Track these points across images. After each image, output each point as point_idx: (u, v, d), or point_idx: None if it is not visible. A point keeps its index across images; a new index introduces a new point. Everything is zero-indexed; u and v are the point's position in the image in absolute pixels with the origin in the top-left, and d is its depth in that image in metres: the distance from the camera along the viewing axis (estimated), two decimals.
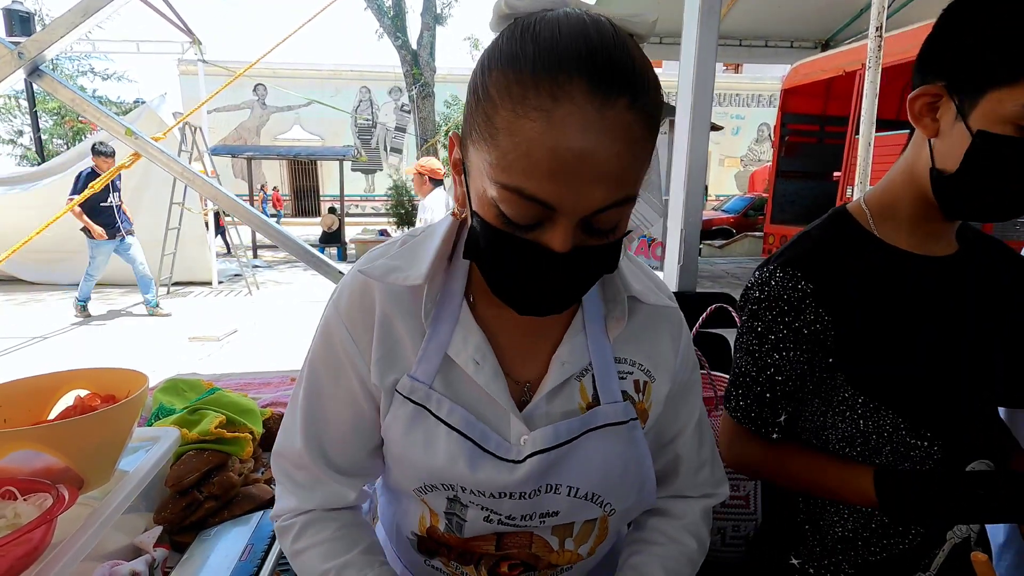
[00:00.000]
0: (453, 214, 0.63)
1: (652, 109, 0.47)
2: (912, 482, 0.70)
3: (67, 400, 0.95)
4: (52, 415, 0.94)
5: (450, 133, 0.57)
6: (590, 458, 0.61)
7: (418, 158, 12.15)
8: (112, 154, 5.46)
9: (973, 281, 0.77)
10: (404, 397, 0.61)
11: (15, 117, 17.55)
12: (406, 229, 13.92)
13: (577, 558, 0.68)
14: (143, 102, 9.91)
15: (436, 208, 4.03)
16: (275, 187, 17.54)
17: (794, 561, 0.83)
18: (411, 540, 0.70)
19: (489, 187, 0.48)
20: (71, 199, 4.98)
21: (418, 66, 11.71)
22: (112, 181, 5.34)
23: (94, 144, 5.51)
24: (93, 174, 5.43)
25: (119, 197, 5.87)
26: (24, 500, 0.74)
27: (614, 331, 0.64)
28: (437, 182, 4.19)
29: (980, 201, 0.69)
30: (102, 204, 5.68)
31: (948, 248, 0.78)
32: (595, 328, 0.64)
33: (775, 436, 0.80)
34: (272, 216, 17.01)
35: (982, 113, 0.65)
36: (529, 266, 0.50)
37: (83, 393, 0.96)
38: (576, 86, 0.43)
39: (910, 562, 0.78)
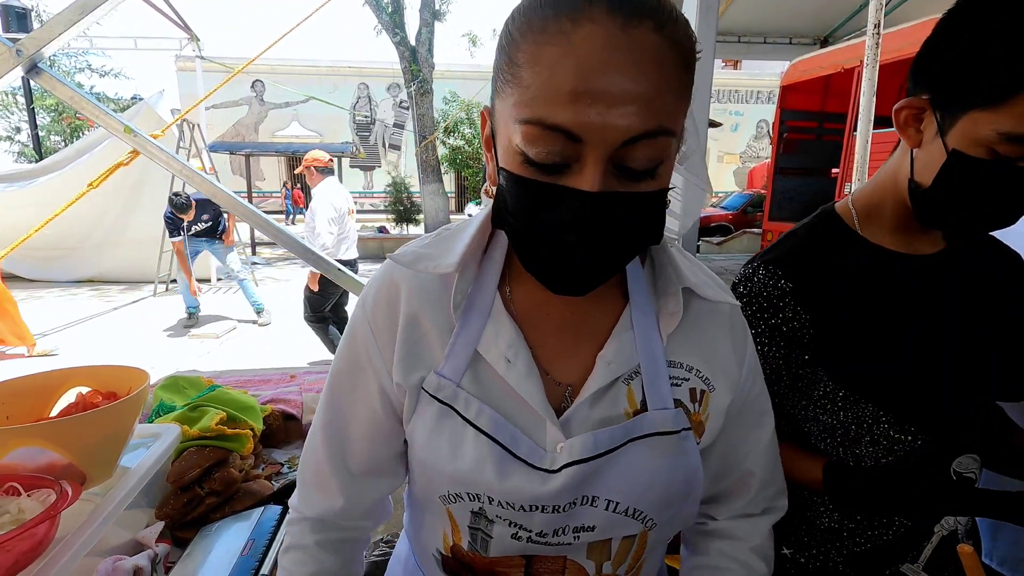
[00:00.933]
0: (485, 191, 0.59)
1: (683, 39, 0.44)
2: (856, 477, 0.72)
3: (69, 397, 0.96)
4: (54, 412, 0.94)
5: (481, 108, 0.55)
6: (633, 470, 0.55)
7: (417, 155, 12.18)
8: (188, 207, 5.49)
9: (961, 279, 0.78)
10: (430, 396, 0.57)
11: (12, 114, 17.51)
12: (406, 226, 13.86)
13: None
14: (141, 99, 9.89)
15: (325, 195, 4.01)
16: (297, 185, 17.57)
17: (786, 551, 0.85)
18: (435, 558, 0.65)
19: (514, 133, 0.45)
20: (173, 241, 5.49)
21: (416, 62, 11.67)
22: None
23: (171, 196, 5.54)
24: (173, 216, 5.51)
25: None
26: (28, 496, 0.74)
27: (667, 328, 0.58)
28: (326, 171, 4.18)
29: (952, 218, 0.70)
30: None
31: (935, 246, 0.79)
32: (645, 324, 0.58)
33: None
34: (296, 213, 16.99)
35: (960, 132, 0.65)
36: (558, 216, 0.46)
37: (85, 390, 0.96)
38: (596, 8, 0.42)
39: (897, 553, 0.79)
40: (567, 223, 0.46)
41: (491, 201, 0.58)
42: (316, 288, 3.92)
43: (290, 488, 1.08)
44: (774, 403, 0.83)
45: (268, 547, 0.90)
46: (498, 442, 0.54)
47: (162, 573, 0.94)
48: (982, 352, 0.77)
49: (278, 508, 1.01)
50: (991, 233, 0.86)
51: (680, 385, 0.58)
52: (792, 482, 0.83)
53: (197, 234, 5.70)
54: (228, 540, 0.96)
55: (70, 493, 0.73)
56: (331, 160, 4.30)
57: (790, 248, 0.79)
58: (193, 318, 5.90)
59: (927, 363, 0.74)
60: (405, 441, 0.63)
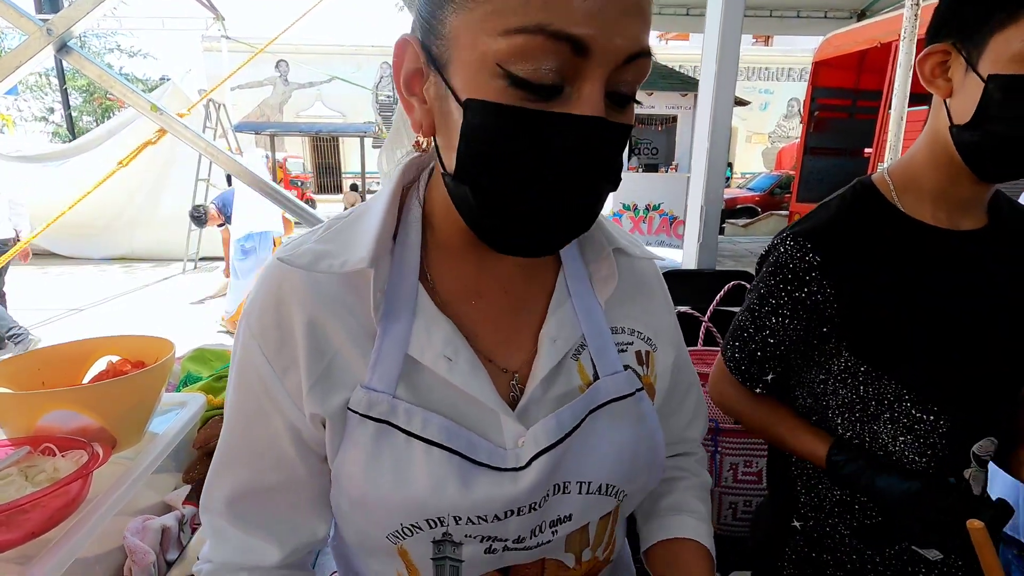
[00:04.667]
0: (415, 145, 0.50)
1: None
2: (853, 461, 0.74)
3: (100, 366, 1.00)
4: (86, 379, 0.99)
5: (397, 40, 0.44)
6: (598, 444, 0.52)
7: None
8: (204, 220, 5.63)
9: (1001, 257, 0.75)
10: (361, 416, 0.47)
11: (46, 95, 17.93)
12: None
13: (599, 564, 0.59)
14: (168, 79, 10.03)
15: None
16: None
17: (796, 524, 0.85)
18: None
19: (492, 48, 0.38)
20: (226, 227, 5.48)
21: None
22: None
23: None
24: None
25: None
26: (62, 456, 0.78)
27: (604, 293, 0.55)
28: None
29: (1005, 150, 0.67)
30: None
31: (976, 222, 0.76)
32: (582, 292, 0.54)
33: (758, 391, 0.84)
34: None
35: (992, 58, 0.65)
36: (557, 152, 0.39)
37: (115, 359, 1.00)
38: None
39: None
40: (568, 159, 0.39)
41: (400, 172, 0.52)
42: None
43: None
44: (792, 374, 0.84)
45: None
46: (455, 451, 0.47)
47: (188, 533, 0.99)
48: (1015, 332, 0.75)
49: None
50: None
51: (626, 350, 0.56)
52: (790, 452, 0.83)
53: None
54: None
55: (101, 454, 0.77)
56: None
57: (822, 220, 0.77)
58: None
59: (959, 343, 0.72)
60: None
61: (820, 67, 7.81)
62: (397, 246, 0.51)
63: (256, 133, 13.96)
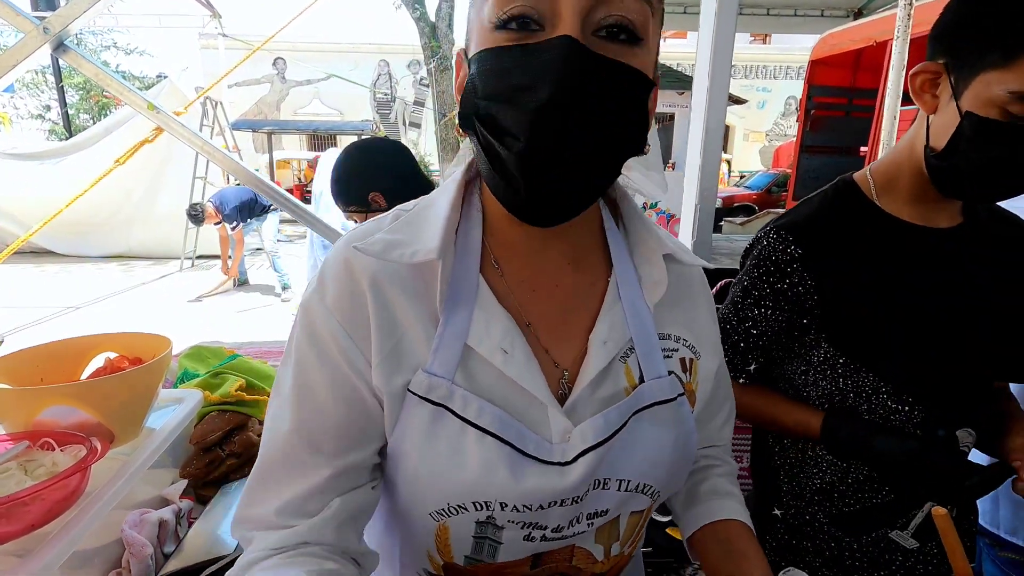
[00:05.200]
0: (458, 130, 0.52)
1: None
2: (854, 430, 0.76)
3: (97, 362, 1.01)
4: (84, 375, 1.00)
5: (457, 52, 0.52)
6: (639, 444, 0.53)
7: (436, 133, 12.13)
8: (200, 218, 5.70)
9: (974, 255, 0.77)
10: (420, 398, 0.50)
11: (42, 92, 17.86)
12: None
13: (623, 560, 0.60)
14: (166, 77, 10.01)
15: None
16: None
17: (777, 512, 0.88)
18: None
19: (486, 13, 0.45)
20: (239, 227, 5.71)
21: (436, 39, 11.55)
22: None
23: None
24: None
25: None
26: (61, 451, 0.79)
27: (653, 298, 0.56)
28: None
29: (966, 182, 0.70)
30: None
31: (951, 220, 0.78)
32: (632, 295, 0.56)
33: (742, 380, 0.86)
34: None
35: (973, 94, 0.66)
36: (538, 78, 0.42)
37: (112, 355, 1.01)
38: None
39: (886, 517, 0.81)
40: (546, 84, 0.41)
41: (464, 167, 0.56)
42: None
43: None
44: (774, 365, 0.86)
45: None
46: (506, 441, 0.49)
47: (185, 526, 1.00)
48: (991, 330, 0.77)
49: None
50: (1012, 211, 0.85)
51: (671, 356, 0.58)
52: (784, 433, 0.85)
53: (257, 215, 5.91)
54: None
55: (99, 449, 0.78)
56: None
57: (804, 215, 0.80)
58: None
59: (937, 341, 0.75)
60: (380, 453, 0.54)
61: (816, 66, 7.82)
62: (459, 238, 0.54)
63: (254, 131, 13.94)
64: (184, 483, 1.09)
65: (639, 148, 0.47)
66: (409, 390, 0.50)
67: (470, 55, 0.48)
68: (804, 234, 0.77)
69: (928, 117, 0.72)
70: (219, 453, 1.14)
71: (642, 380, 0.55)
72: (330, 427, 0.51)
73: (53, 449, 0.79)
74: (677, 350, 0.58)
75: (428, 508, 0.51)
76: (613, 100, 0.44)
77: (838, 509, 0.82)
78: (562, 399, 0.53)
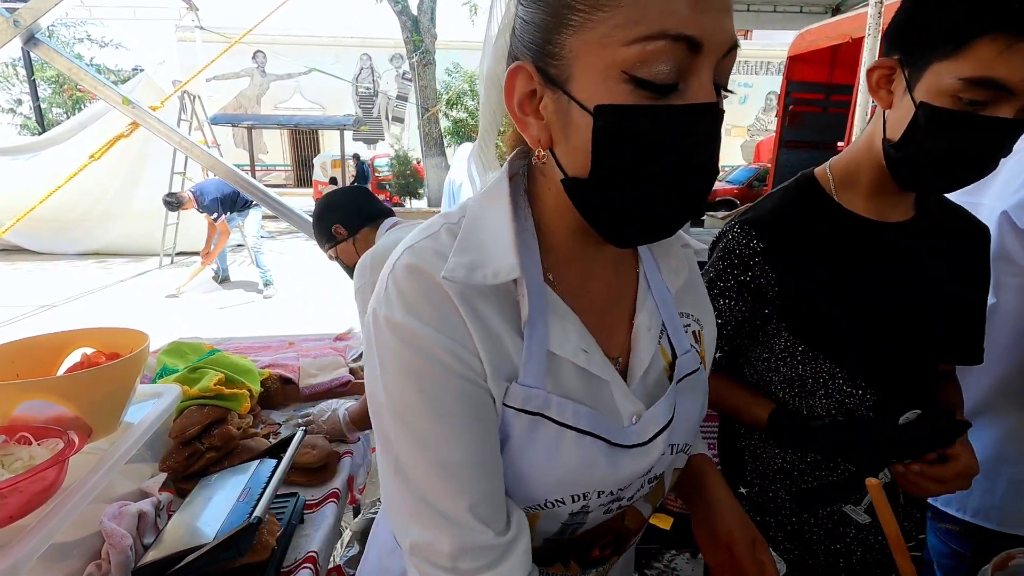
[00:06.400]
0: (538, 157, 0.52)
1: None
2: (793, 422, 0.81)
3: (74, 357, 1.01)
4: (61, 371, 1.00)
5: (509, 68, 0.49)
6: (681, 411, 0.59)
7: (420, 127, 12.06)
8: (177, 205, 5.61)
9: (929, 247, 0.81)
10: (517, 410, 0.51)
11: (13, 86, 17.41)
12: (409, 200, 13.73)
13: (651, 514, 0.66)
14: (142, 70, 9.81)
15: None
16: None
17: (742, 490, 0.92)
18: None
19: (619, 57, 0.43)
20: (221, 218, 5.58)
21: (418, 33, 11.47)
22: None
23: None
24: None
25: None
26: (38, 444, 0.80)
27: (675, 283, 0.63)
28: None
29: (923, 172, 0.73)
30: None
31: (904, 214, 0.82)
32: (657, 282, 0.62)
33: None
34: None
35: (926, 85, 0.69)
36: (682, 136, 0.45)
37: (89, 351, 1.02)
38: None
39: (841, 494, 0.85)
40: (692, 144, 0.45)
41: (505, 181, 0.54)
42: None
43: (285, 442, 1.14)
44: (738, 352, 0.89)
45: (262, 493, 0.96)
46: (602, 438, 0.53)
47: (165, 518, 1.01)
48: (946, 320, 0.81)
49: (273, 461, 1.07)
50: (963, 205, 0.89)
51: (687, 331, 0.64)
52: (743, 425, 0.89)
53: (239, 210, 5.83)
54: (226, 488, 1.03)
55: (76, 442, 0.79)
56: None
57: (766, 210, 0.83)
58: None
59: (890, 332, 0.78)
60: None
61: (794, 61, 7.92)
62: (519, 247, 0.53)
63: (233, 126, 13.74)
64: (163, 476, 1.10)
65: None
66: (505, 404, 0.51)
67: (578, 93, 0.46)
68: (766, 229, 0.80)
69: (885, 112, 0.75)
70: (198, 447, 1.15)
71: (674, 356, 0.61)
72: (479, 437, 0.51)
73: (30, 443, 0.80)
74: (689, 325, 0.65)
75: (526, 502, 0.54)
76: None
77: (797, 486, 0.86)
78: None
